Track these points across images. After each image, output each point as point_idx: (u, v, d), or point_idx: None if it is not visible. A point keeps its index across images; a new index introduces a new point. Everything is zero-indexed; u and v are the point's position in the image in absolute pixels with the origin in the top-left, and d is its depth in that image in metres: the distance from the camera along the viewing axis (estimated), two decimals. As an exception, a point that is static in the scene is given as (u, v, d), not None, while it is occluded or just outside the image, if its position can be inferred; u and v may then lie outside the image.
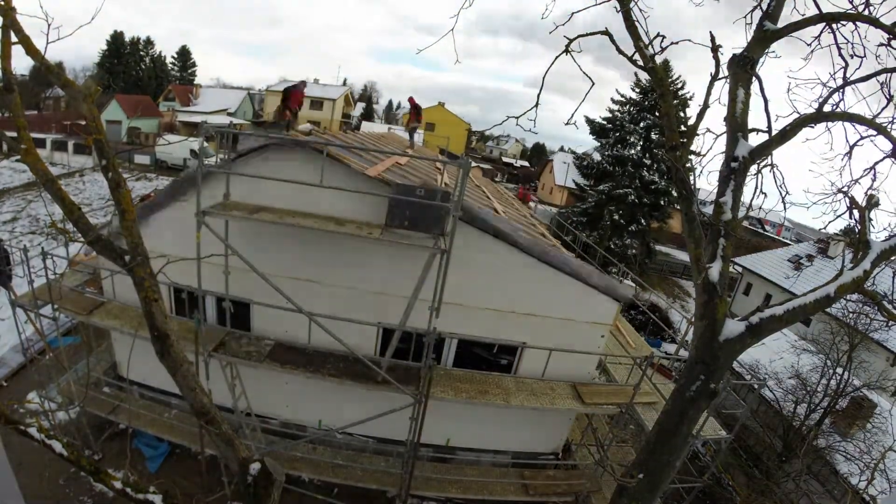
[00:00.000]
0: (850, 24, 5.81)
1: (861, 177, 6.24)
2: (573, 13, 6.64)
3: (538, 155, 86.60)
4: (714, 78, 6.27)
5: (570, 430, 11.37)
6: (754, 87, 6.16)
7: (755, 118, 6.34)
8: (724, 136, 6.25)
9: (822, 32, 6.00)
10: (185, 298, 9.82)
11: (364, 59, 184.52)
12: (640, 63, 6.41)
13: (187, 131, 49.17)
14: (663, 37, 6.32)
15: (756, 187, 6.17)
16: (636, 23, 6.21)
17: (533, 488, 10.02)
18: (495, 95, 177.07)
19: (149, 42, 70.12)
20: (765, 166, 6.25)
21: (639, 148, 31.20)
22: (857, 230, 6.08)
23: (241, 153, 8.34)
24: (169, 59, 73.66)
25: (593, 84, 7.07)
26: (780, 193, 6.22)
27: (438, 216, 7.35)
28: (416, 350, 9.20)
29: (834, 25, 5.86)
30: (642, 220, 31.11)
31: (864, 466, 11.86)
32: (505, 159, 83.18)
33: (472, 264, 8.69)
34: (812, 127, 5.88)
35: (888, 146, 5.58)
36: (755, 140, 6.15)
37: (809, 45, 6.13)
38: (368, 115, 76.70)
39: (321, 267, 8.99)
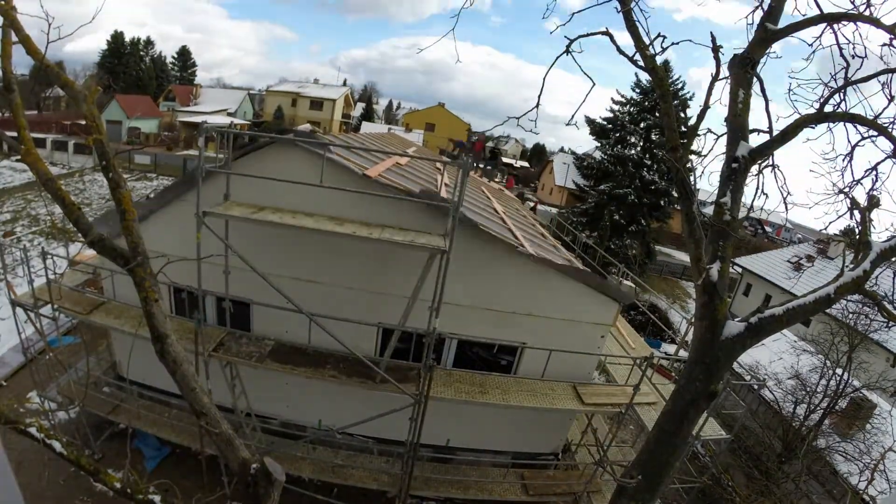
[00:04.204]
0: (852, 24, 5.80)
1: (862, 177, 6.23)
2: (574, 13, 6.63)
3: (538, 155, 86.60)
4: (715, 78, 6.26)
5: (569, 431, 11.37)
6: (755, 87, 6.16)
7: (756, 118, 6.35)
8: (725, 136, 6.25)
9: (823, 33, 6.00)
10: (186, 298, 9.81)
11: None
12: (641, 64, 6.40)
13: (187, 131, 49.21)
14: (664, 37, 6.32)
15: (757, 188, 6.17)
16: (637, 23, 6.20)
17: (533, 488, 10.02)
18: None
19: (149, 42, 70.21)
20: (765, 167, 6.24)
21: (639, 148, 31.21)
22: (857, 231, 6.08)
23: (244, 152, 8.34)
24: (169, 59, 73.74)
25: (594, 84, 7.06)
26: (782, 194, 6.21)
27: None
28: (416, 350, 9.20)
29: (835, 26, 5.85)
30: (642, 221, 31.10)
31: (863, 467, 11.85)
32: (505, 160, 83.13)
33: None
34: (813, 127, 5.88)
35: (889, 147, 5.58)
36: (756, 140, 6.15)
37: (811, 45, 6.13)
38: (368, 115, 76.72)
39: (321, 267, 8.99)
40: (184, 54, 75.02)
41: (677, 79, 30.64)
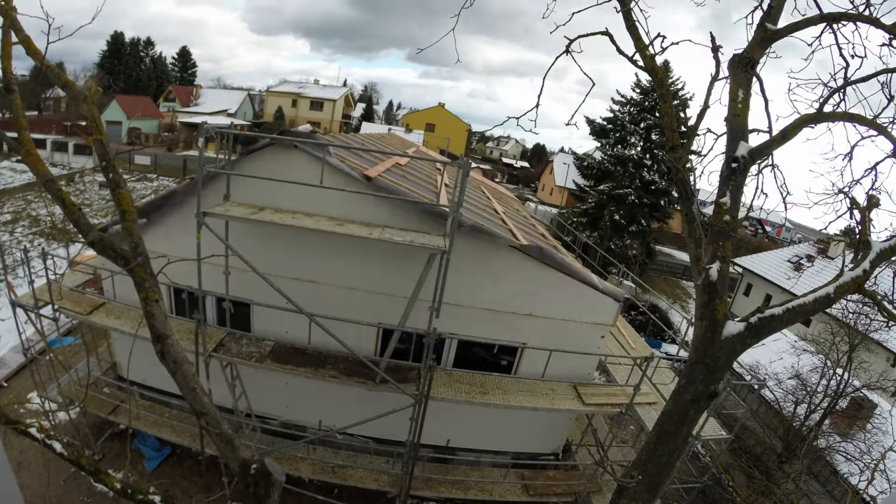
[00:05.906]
0: (851, 24, 5.80)
1: (862, 177, 6.23)
2: (574, 13, 6.63)
3: (538, 156, 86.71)
4: (714, 78, 6.26)
5: (570, 431, 11.36)
6: (755, 87, 6.16)
7: (756, 118, 6.34)
8: (725, 136, 6.25)
9: (822, 32, 6.00)
10: (186, 299, 9.82)
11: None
12: (641, 64, 6.40)
13: (187, 132, 49.24)
14: (664, 37, 6.32)
15: (757, 188, 6.17)
16: (636, 23, 6.20)
17: (533, 489, 10.02)
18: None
19: (149, 42, 70.22)
20: (765, 166, 6.24)
21: (639, 148, 31.20)
22: (857, 230, 6.08)
23: (250, 150, 8.34)
24: (169, 60, 73.78)
25: (594, 84, 7.06)
26: (781, 194, 6.22)
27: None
28: (416, 350, 9.20)
29: (834, 25, 5.85)
30: (642, 221, 31.10)
31: (863, 467, 11.84)
32: (505, 160, 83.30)
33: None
34: (813, 127, 5.87)
35: (889, 146, 5.58)
36: (756, 140, 6.15)
37: (810, 45, 6.13)
38: (369, 115, 76.76)
39: (322, 267, 8.99)
40: (184, 55, 75.06)
41: (677, 79, 30.63)
